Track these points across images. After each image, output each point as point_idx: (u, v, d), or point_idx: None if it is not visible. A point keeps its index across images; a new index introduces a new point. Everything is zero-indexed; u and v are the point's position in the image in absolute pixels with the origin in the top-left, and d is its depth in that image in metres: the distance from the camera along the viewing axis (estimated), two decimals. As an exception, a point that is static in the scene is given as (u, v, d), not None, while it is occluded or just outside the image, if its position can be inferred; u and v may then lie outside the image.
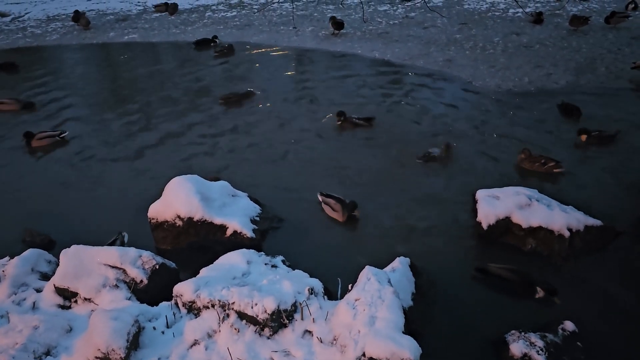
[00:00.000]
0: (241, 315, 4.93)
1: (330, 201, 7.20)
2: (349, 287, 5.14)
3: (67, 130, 9.98)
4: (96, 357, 4.67)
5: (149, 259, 5.84)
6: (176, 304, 5.26)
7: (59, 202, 7.96)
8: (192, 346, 4.86)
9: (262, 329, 4.88)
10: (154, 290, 5.65)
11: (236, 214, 6.81)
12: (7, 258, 6.23)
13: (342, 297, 5.26)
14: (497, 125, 9.63)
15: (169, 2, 19.03)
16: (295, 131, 9.82)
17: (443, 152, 8.50)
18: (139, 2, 20.97)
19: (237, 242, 6.49)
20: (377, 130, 9.63)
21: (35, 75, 13.63)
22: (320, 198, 7.42)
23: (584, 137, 8.70)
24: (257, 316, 4.85)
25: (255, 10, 18.61)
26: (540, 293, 5.69)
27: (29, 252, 6.12)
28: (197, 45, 14.99)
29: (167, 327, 5.10)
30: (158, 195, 6.93)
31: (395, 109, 10.53)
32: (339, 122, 9.84)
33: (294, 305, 4.98)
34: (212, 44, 15.03)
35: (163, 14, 18.98)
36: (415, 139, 9.26)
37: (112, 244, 6.53)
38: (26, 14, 20.07)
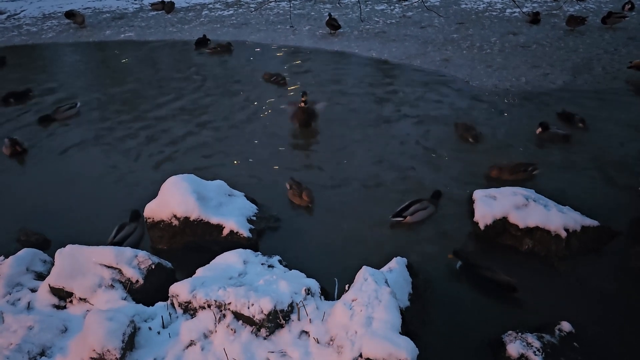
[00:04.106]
0: (237, 316, 4.90)
1: (416, 207, 6.94)
2: (346, 288, 5.12)
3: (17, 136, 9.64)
4: (91, 358, 4.64)
5: (145, 258, 5.81)
6: (172, 304, 5.23)
7: (54, 201, 7.90)
8: (188, 347, 4.83)
9: (259, 330, 4.86)
10: (149, 290, 5.62)
11: (233, 213, 6.78)
12: (1, 257, 6.19)
13: (339, 297, 5.24)
14: (494, 125, 9.62)
15: (165, 0, 18.96)
16: (290, 130, 9.79)
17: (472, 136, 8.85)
18: (135, 0, 20.89)
19: (233, 241, 6.46)
20: (373, 130, 9.61)
21: (29, 74, 13.55)
22: (399, 219, 6.93)
23: (539, 130, 8.92)
24: (254, 316, 4.82)
25: (252, 9, 18.56)
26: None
27: (23, 252, 6.07)
28: (197, 45, 14.98)
29: (163, 327, 5.07)
30: (154, 194, 6.89)
31: (392, 109, 10.51)
32: (303, 100, 9.49)
33: (291, 305, 4.97)
34: (208, 41, 15.04)
35: (160, 12, 18.93)
36: (411, 139, 9.25)
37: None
38: (22, 11, 19.97)
